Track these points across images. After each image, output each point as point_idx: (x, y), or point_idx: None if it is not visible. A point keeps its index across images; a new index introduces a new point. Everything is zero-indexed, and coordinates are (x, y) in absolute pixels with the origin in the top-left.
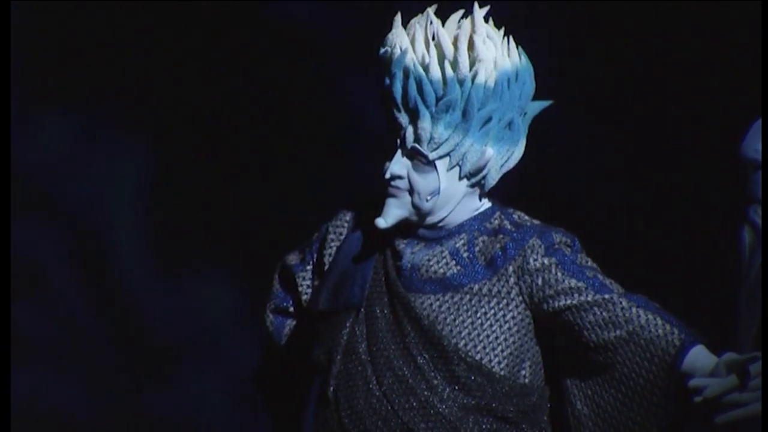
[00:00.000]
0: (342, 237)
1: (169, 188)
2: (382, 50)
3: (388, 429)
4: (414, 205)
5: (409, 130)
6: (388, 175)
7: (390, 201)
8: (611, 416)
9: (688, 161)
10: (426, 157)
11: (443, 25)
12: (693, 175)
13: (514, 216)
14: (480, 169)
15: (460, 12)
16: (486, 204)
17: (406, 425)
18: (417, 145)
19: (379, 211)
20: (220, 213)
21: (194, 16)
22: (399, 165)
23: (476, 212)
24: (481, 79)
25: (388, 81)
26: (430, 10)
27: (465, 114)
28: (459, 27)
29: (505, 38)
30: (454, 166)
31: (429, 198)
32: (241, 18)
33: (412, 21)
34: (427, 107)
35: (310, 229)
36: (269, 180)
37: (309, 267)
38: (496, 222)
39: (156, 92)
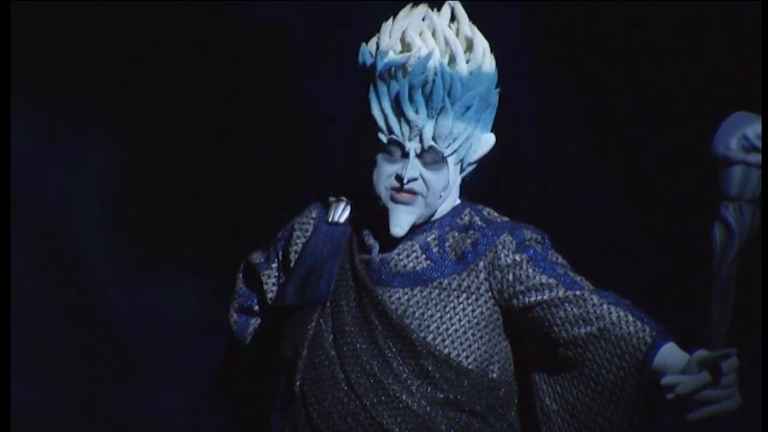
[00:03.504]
0: (308, 233)
1: (134, 188)
2: (386, 60)
3: (357, 423)
4: (427, 205)
5: (427, 130)
6: (406, 180)
7: (400, 208)
8: (580, 412)
9: (659, 158)
10: (441, 153)
11: (423, 21)
12: (664, 172)
13: (483, 212)
14: (477, 158)
15: (424, 10)
16: (456, 200)
17: (374, 419)
18: (435, 143)
19: (384, 220)
20: (185, 212)
21: (163, 15)
22: (414, 169)
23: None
24: (486, 67)
25: (397, 86)
26: (422, 8)
27: (480, 105)
28: (451, 21)
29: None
30: (460, 159)
31: (442, 194)
32: (209, 18)
33: (403, 23)
34: (453, 104)
35: (275, 228)
36: (234, 180)
37: (274, 265)
38: (467, 218)
39: (121, 91)
